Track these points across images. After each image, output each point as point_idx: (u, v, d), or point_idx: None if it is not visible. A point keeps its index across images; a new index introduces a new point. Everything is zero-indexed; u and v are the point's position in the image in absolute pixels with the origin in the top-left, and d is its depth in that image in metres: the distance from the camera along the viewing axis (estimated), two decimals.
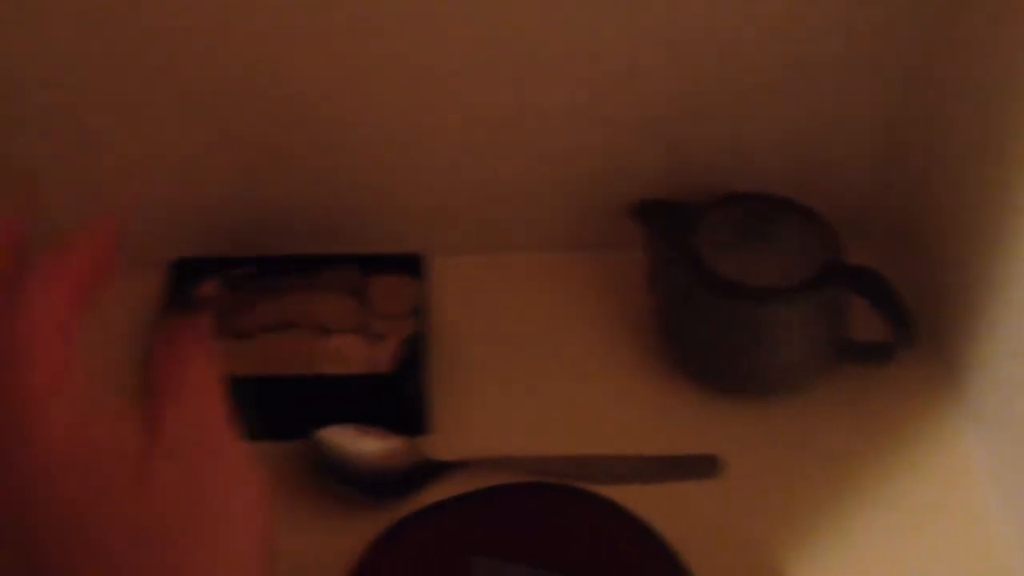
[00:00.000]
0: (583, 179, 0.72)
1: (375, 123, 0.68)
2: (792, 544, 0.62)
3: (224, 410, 0.38)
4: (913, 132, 0.70)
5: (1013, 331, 0.61)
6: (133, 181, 0.70)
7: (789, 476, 0.64)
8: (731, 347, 0.65)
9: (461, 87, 0.67)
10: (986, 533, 0.62)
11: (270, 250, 0.71)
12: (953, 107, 0.67)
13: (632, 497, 0.61)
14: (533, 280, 0.74)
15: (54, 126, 0.67)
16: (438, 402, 0.67)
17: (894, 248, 0.74)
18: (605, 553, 0.58)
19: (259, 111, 0.67)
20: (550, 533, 0.58)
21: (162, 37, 0.63)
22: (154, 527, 0.34)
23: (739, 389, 0.67)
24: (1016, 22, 0.59)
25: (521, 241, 0.75)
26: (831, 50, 0.66)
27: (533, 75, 0.67)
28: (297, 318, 0.66)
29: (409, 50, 0.65)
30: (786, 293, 0.63)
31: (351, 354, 0.64)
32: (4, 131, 0.65)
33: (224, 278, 0.67)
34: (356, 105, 0.67)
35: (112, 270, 0.39)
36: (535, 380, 0.69)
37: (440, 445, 0.65)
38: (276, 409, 0.64)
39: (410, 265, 0.68)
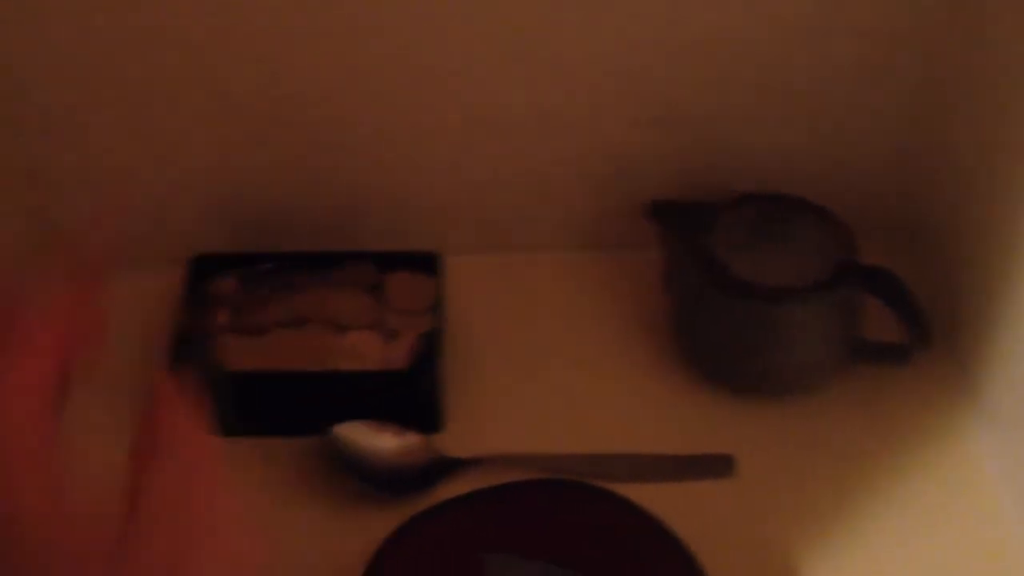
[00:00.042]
0: (598, 179, 0.72)
1: (393, 123, 0.68)
2: (805, 544, 0.62)
3: (211, 474, 0.37)
4: (927, 132, 0.70)
5: None
6: (152, 178, 0.70)
7: (802, 476, 0.64)
8: (745, 347, 0.65)
9: (479, 88, 0.67)
10: (998, 534, 0.62)
11: (287, 247, 0.71)
12: (967, 107, 0.67)
13: (646, 496, 0.61)
14: (548, 279, 0.74)
15: (71, 126, 0.67)
16: (453, 399, 0.67)
17: (908, 248, 0.74)
18: (619, 551, 0.58)
19: (279, 110, 0.67)
20: (564, 530, 0.58)
21: (180, 36, 0.64)
22: None
23: (753, 389, 0.67)
24: None
25: (536, 240, 0.75)
26: (845, 50, 0.66)
27: (550, 76, 0.67)
28: (313, 314, 0.66)
29: (429, 52, 0.65)
30: (800, 293, 0.63)
31: (366, 351, 0.64)
32: (21, 131, 0.66)
33: (242, 275, 0.68)
34: (373, 106, 0.67)
35: (101, 333, 0.37)
36: (549, 378, 0.69)
37: (454, 442, 0.65)
38: (292, 405, 0.64)
39: (426, 263, 0.68)
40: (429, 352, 0.64)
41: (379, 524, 0.61)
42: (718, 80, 0.68)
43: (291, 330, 0.65)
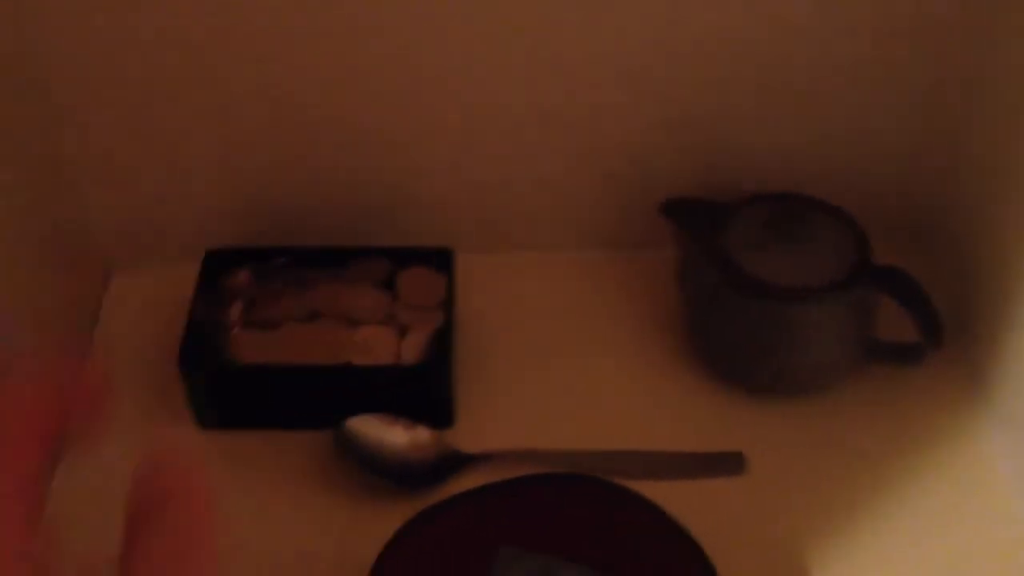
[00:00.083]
0: (612, 178, 0.72)
1: (408, 122, 0.68)
2: (816, 543, 0.62)
3: (210, 544, 0.35)
4: (942, 133, 0.70)
5: None
6: (166, 172, 0.70)
7: (814, 475, 0.64)
8: (759, 346, 0.65)
9: (492, 89, 0.67)
10: (1011, 534, 0.62)
11: (301, 242, 0.71)
12: (981, 108, 0.67)
13: (657, 493, 0.61)
14: (560, 278, 0.74)
15: (88, 122, 0.68)
16: (464, 395, 0.67)
17: (921, 249, 0.74)
18: (630, 546, 0.58)
19: (296, 107, 0.67)
20: (575, 525, 0.58)
21: (193, 35, 0.64)
22: None
23: (767, 388, 0.67)
24: None
25: (549, 239, 0.75)
26: (859, 50, 0.66)
27: (563, 76, 0.67)
28: (326, 309, 0.66)
29: (445, 52, 0.65)
30: (815, 293, 0.63)
31: (379, 345, 0.64)
32: (36, 127, 0.66)
33: (256, 269, 0.68)
34: (389, 105, 0.67)
35: (100, 405, 0.34)
36: (561, 375, 0.69)
37: (465, 437, 0.66)
38: (305, 398, 0.65)
39: (439, 259, 0.68)
40: (441, 348, 0.64)
41: (390, 517, 0.61)
42: (731, 80, 0.68)
43: (304, 324, 0.65)
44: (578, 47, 0.66)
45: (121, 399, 0.68)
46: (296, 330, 0.65)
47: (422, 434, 0.64)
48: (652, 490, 0.62)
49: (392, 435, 0.64)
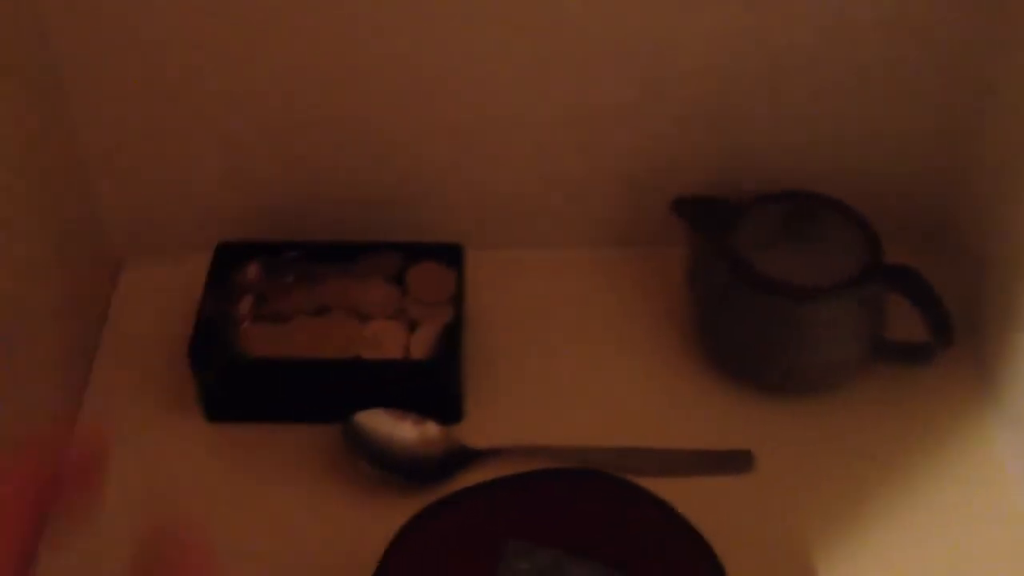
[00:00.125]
0: (624, 176, 0.72)
1: (422, 118, 0.68)
2: (823, 541, 0.62)
3: None
4: (953, 133, 0.70)
5: None
6: (179, 165, 0.71)
7: (822, 474, 0.64)
8: (769, 345, 0.65)
9: (507, 85, 0.67)
10: (1019, 534, 0.62)
11: (313, 236, 0.71)
12: (993, 108, 0.67)
13: (665, 490, 0.61)
14: (571, 275, 0.74)
15: (98, 117, 0.68)
16: (473, 390, 0.68)
17: (931, 248, 0.74)
18: (638, 542, 0.58)
19: (307, 101, 0.67)
20: (583, 520, 0.58)
21: (208, 28, 0.64)
22: None
23: (776, 386, 0.67)
24: None
25: (560, 237, 0.75)
26: (872, 50, 0.66)
27: (578, 72, 0.67)
28: (336, 303, 0.66)
29: (458, 47, 0.65)
30: (826, 292, 0.63)
31: (388, 340, 0.64)
32: (52, 123, 0.66)
33: (266, 262, 0.68)
34: (404, 101, 0.68)
35: (95, 480, 0.33)
36: (570, 372, 0.69)
37: (474, 433, 0.66)
38: (314, 392, 0.65)
39: (449, 255, 0.68)
40: (450, 343, 0.64)
41: (398, 511, 0.61)
42: (743, 79, 0.68)
43: (314, 318, 0.66)
44: (591, 45, 0.66)
45: (131, 393, 0.68)
46: (306, 324, 0.65)
47: (431, 429, 0.64)
48: (660, 487, 0.62)
49: (401, 430, 0.64)
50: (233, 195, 0.72)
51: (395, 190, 0.72)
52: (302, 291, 0.67)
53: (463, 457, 0.64)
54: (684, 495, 0.61)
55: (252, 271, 0.68)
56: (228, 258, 0.68)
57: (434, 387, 0.65)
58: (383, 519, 0.61)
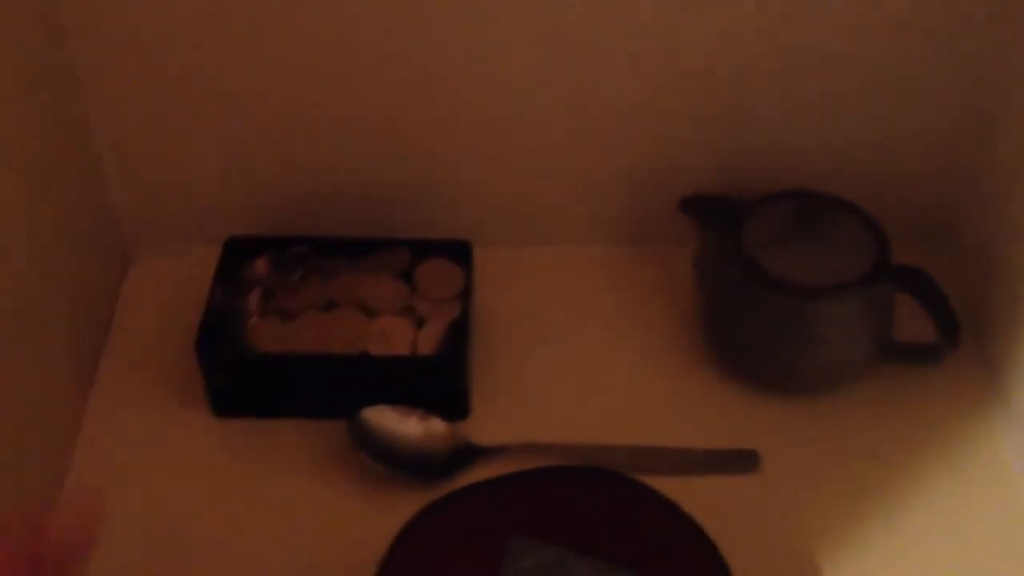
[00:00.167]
0: (633, 174, 0.72)
1: (431, 114, 0.68)
2: (828, 541, 0.62)
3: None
4: (961, 134, 0.70)
5: None
6: (189, 161, 0.71)
7: (828, 474, 0.64)
8: (777, 343, 0.65)
9: (516, 82, 0.67)
10: (1023, 536, 0.62)
11: (322, 231, 0.72)
12: (1003, 109, 0.67)
13: (670, 488, 0.61)
14: (578, 273, 0.74)
15: (109, 112, 0.68)
16: (480, 387, 0.68)
17: (939, 249, 0.73)
18: (642, 540, 0.58)
19: (318, 96, 0.68)
20: (587, 518, 0.58)
21: (220, 22, 0.64)
22: None
23: (783, 385, 0.67)
24: None
25: (568, 235, 0.75)
26: (881, 50, 0.66)
27: (588, 70, 0.67)
28: (344, 299, 0.66)
29: (469, 44, 0.65)
30: (834, 291, 0.63)
31: (396, 336, 0.65)
32: (64, 117, 0.67)
33: (275, 258, 0.68)
34: (414, 96, 0.68)
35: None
36: (576, 370, 0.69)
37: (480, 430, 0.66)
38: (321, 388, 0.65)
39: (457, 251, 0.68)
40: (457, 339, 0.64)
41: (404, 507, 0.61)
42: (753, 78, 0.67)
43: (322, 314, 0.66)
44: (601, 44, 0.66)
45: (138, 387, 0.68)
46: (314, 319, 0.65)
47: (437, 425, 0.64)
48: (665, 486, 0.62)
49: (407, 426, 0.64)
50: (242, 191, 0.72)
51: (404, 187, 0.72)
52: (310, 286, 0.67)
53: (469, 454, 0.64)
54: (690, 494, 0.61)
55: (260, 266, 0.68)
56: (237, 253, 0.68)
57: (441, 383, 0.65)
58: (388, 515, 0.61)
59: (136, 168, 0.71)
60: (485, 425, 0.66)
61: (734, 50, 0.66)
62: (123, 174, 0.71)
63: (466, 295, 0.66)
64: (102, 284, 0.72)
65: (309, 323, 0.65)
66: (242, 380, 0.65)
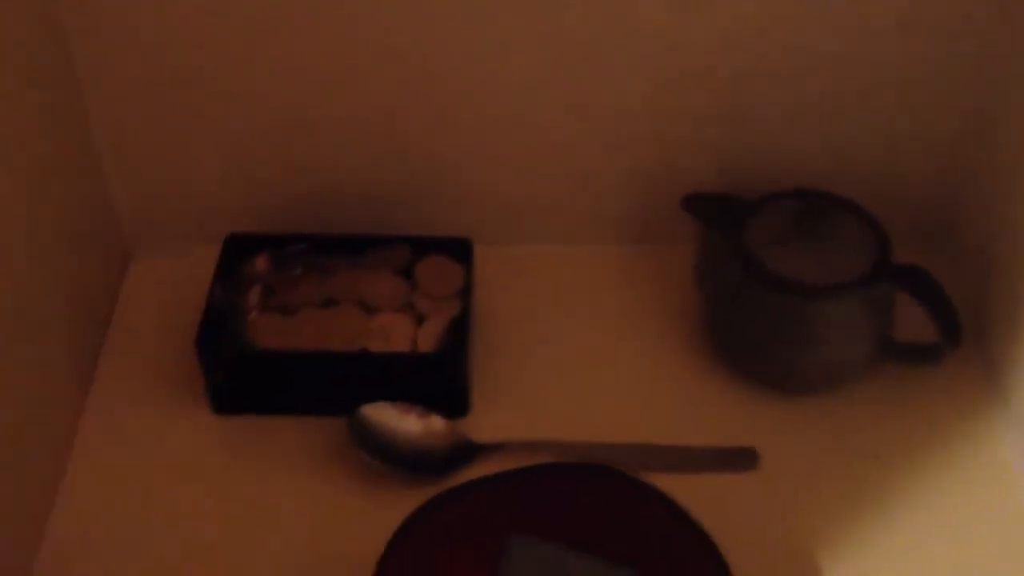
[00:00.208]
0: (635, 172, 0.72)
1: (432, 114, 0.69)
2: (827, 540, 0.61)
3: None
4: (961, 134, 0.70)
5: None
6: (189, 159, 0.71)
7: (827, 472, 0.64)
8: (778, 342, 0.65)
9: (518, 80, 0.67)
10: (1023, 536, 0.62)
11: (322, 229, 0.72)
12: (1003, 109, 0.67)
13: (669, 486, 0.61)
14: (579, 272, 0.74)
15: (109, 110, 0.68)
16: (480, 385, 0.68)
17: (938, 249, 0.74)
18: (642, 538, 0.58)
19: (319, 93, 0.68)
20: (587, 515, 0.58)
21: (220, 20, 0.64)
22: None
23: (783, 384, 0.67)
24: None
25: (569, 233, 0.75)
26: (882, 50, 0.66)
27: (590, 69, 0.67)
28: (344, 296, 0.66)
29: (471, 41, 0.65)
30: (835, 290, 0.63)
31: (396, 333, 0.65)
32: (64, 115, 0.67)
33: (275, 254, 0.68)
34: (415, 94, 0.68)
35: None
36: (576, 367, 0.69)
37: (480, 427, 0.66)
38: (321, 384, 0.65)
39: (458, 249, 0.68)
40: (457, 337, 0.64)
41: (403, 504, 0.61)
42: (756, 77, 0.68)
43: (322, 310, 0.66)
44: (602, 43, 0.66)
45: (138, 383, 0.68)
46: (314, 316, 0.65)
47: (436, 423, 0.64)
48: (665, 483, 0.62)
49: (406, 423, 0.64)
50: (242, 191, 0.72)
51: (405, 186, 0.72)
52: (310, 283, 0.67)
53: (468, 451, 0.64)
54: (689, 492, 0.61)
55: (261, 263, 0.68)
56: (237, 250, 0.68)
57: (440, 381, 0.65)
58: (388, 512, 0.61)
59: (136, 167, 0.71)
60: (485, 423, 0.66)
61: (735, 50, 0.66)
62: (123, 173, 0.72)
63: (466, 292, 0.66)
64: (102, 283, 0.72)
65: (309, 320, 0.65)
66: (242, 377, 0.65)
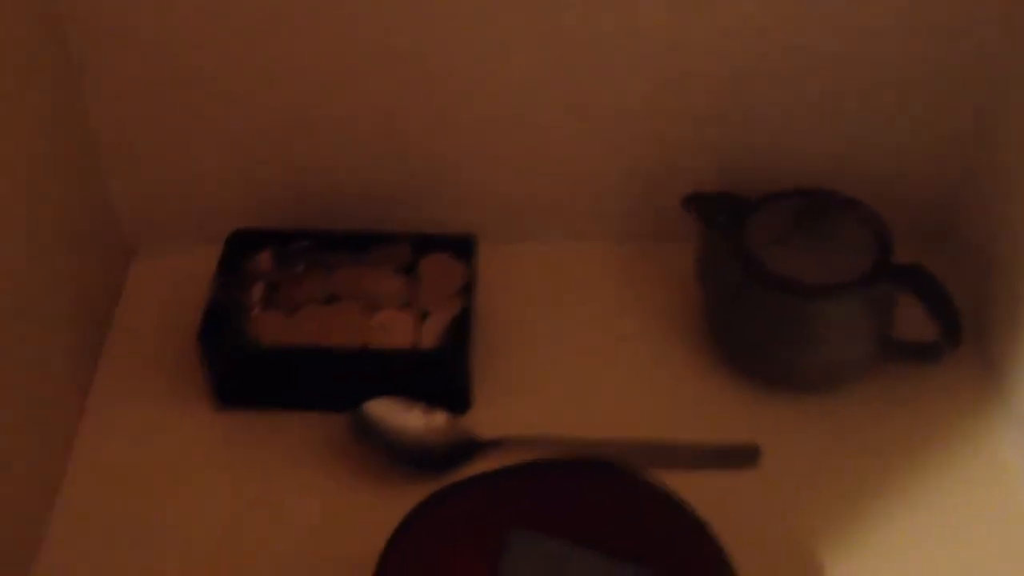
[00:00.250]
0: (636, 171, 0.72)
1: (435, 112, 0.69)
2: (828, 538, 0.62)
3: None
4: (962, 134, 0.70)
5: None
6: (192, 156, 0.71)
7: (828, 470, 0.64)
8: (778, 341, 0.65)
9: (521, 78, 0.67)
10: (1023, 535, 0.62)
11: (325, 226, 0.72)
12: (1003, 109, 0.67)
13: (672, 483, 0.61)
14: (581, 269, 0.75)
15: (112, 108, 0.68)
16: (482, 381, 0.68)
17: (937, 249, 0.74)
18: (644, 533, 0.58)
19: (322, 91, 0.68)
20: (590, 510, 0.58)
21: (221, 19, 0.64)
22: None
23: (784, 382, 0.67)
24: None
25: (571, 231, 0.75)
26: (883, 50, 0.67)
27: (592, 67, 0.67)
28: (347, 293, 0.66)
29: (473, 40, 0.66)
30: (836, 289, 0.63)
31: (398, 330, 0.65)
32: (66, 113, 0.67)
33: (278, 251, 0.68)
34: (418, 92, 0.68)
35: None
36: (578, 364, 0.69)
37: (482, 423, 0.66)
38: (323, 381, 0.65)
39: (460, 247, 0.69)
40: (459, 334, 0.65)
41: (405, 499, 0.62)
42: (756, 77, 0.68)
43: (324, 307, 0.66)
44: (605, 41, 0.66)
45: (141, 380, 0.68)
46: (316, 313, 0.65)
47: (439, 419, 0.64)
48: (667, 480, 0.62)
49: (409, 419, 0.64)
50: (243, 190, 0.72)
51: (407, 185, 0.72)
52: (313, 280, 0.67)
53: (470, 447, 0.64)
54: (691, 489, 0.61)
55: (264, 260, 0.68)
56: (240, 247, 0.68)
57: (442, 377, 0.65)
58: (390, 507, 0.61)
59: (137, 166, 0.71)
60: (486, 419, 0.66)
61: (735, 50, 0.67)
62: (124, 172, 0.72)
63: (468, 290, 0.67)
64: (103, 282, 0.72)
65: (311, 316, 0.65)
66: (244, 372, 0.65)
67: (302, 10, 0.64)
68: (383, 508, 0.61)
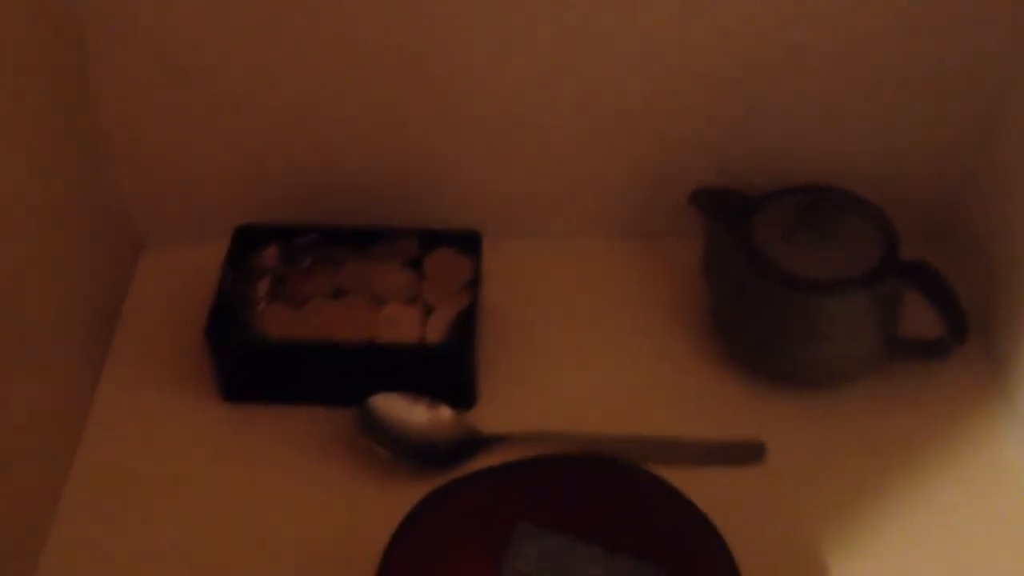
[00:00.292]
0: (641, 167, 0.72)
1: (442, 108, 0.69)
2: (833, 534, 0.62)
3: None
4: (966, 131, 0.70)
5: None
6: (200, 151, 0.71)
7: (833, 467, 0.64)
8: (784, 338, 0.65)
9: (526, 76, 0.68)
10: None
11: (332, 221, 0.72)
12: (1004, 109, 0.67)
13: (677, 479, 0.62)
14: (586, 265, 0.75)
15: (121, 102, 0.69)
16: (487, 377, 0.68)
17: (943, 247, 0.74)
18: (648, 529, 0.58)
19: (329, 87, 0.68)
20: (594, 506, 0.58)
21: (229, 13, 0.65)
22: None
23: (789, 379, 0.67)
24: None
25: (576, 227, 0.75)
26: (887, 48, 0.67)
27: (597, 64, 0.67)
28: (353, 287, 0.67)
29: (478, 38, 0.66)
30: (842, 286, 0.63)
31: (404, 324, 0.65)
32: (76, 107, 0.67)
33: (285, 246, 0.68)
34: (424, 89, 0.68)
35: None
36: (583, 360, 0.69)
37: (487, 418, 0.66)
38: (329, 375, 0.65)
39: (466, 242, 0.69)
40: (465, 329, 0.65)
41: (410, 494, 0.62)
42: (758, 77, 0.68)
43: (330, 301, 0.66)
44: (609, 38, 0.66)
45: (148, 373, 0.69)
46: (323, 307, 0.66)
47: (444, 414, 0.65)
48: (671, 476, 0.62)
49: (414, 414, 0.64)
50: (253, 181, 0.73)
51: (411, 183, 0.73)
52: (319, 274, 0.67)
53: (475, 442, 0.64)
54: (695, 485, 0.61)
55: (270, 254, 0.68)
56: (247, 241, 0.69)
57: (448, 372, 0.65)
58: (395, 501, 0.61)
59: (146, 162, 0.72)
60: (491, 414, 0.66)
61: (735, 50, 0.67)
62: (133, 168, 0.72)
63: (474, 285, 0.67)
64: (113, 274, 0.72)
65: (318, 310, 0.66)
66: (251, 366, 0.66)
67: (311, 9, 0.65)
68: (388, 502, 0.62)
